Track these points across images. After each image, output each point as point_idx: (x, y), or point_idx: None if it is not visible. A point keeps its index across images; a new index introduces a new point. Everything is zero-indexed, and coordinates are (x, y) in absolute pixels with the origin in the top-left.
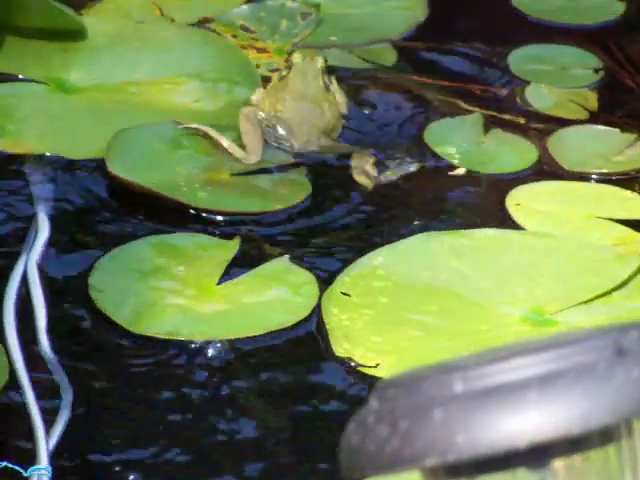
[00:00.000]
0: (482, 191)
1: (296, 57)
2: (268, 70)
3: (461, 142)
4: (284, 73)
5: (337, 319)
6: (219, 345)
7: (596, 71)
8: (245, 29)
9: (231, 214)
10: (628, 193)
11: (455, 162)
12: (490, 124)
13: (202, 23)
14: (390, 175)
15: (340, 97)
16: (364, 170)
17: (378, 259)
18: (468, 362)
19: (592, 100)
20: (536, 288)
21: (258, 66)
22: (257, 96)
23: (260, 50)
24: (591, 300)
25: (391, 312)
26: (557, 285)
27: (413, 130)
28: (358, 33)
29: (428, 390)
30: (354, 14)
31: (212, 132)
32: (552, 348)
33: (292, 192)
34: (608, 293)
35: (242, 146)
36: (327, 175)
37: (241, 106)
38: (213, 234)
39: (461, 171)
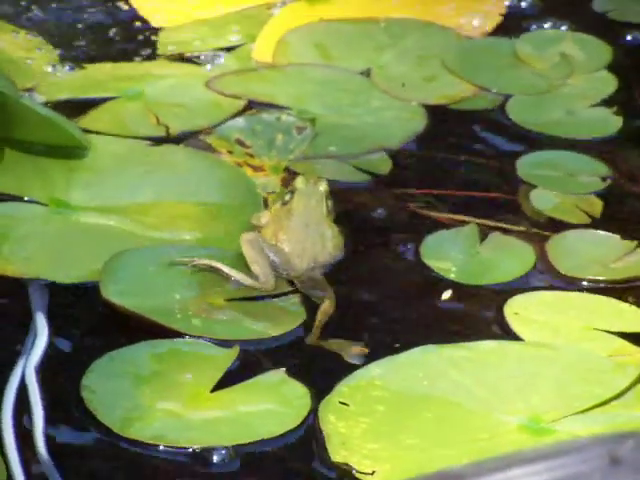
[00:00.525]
0: (480, 302)
1: (299, 182)
2: (266, 192)
3: (457, 254)
4: (287, 198)
5: (334, 427)
6: (223, 452)
7: (604, 179)
8: (240, 143)
9: (225, 341)
10: (624, 305)
11: (451, 277)
12: (489, 231)
13: (197, 135)
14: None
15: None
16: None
17: (376, 370)
18: (466, 471)
19: (597, 206)
20: (534, 397)
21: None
22: (262, 219)
23: (256, 169)
24: (589, 409)
25: (388, 420)
26: (554, 394)
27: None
28: (356, 143)
29: None
30: (352, 124)
31: (224, 268)
32: (548, 458)
33: (287, 320)
34: (606, 402)
35: (251, 274)
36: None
37: (242, 228)
38: (208, 337)
39: (447, 295)
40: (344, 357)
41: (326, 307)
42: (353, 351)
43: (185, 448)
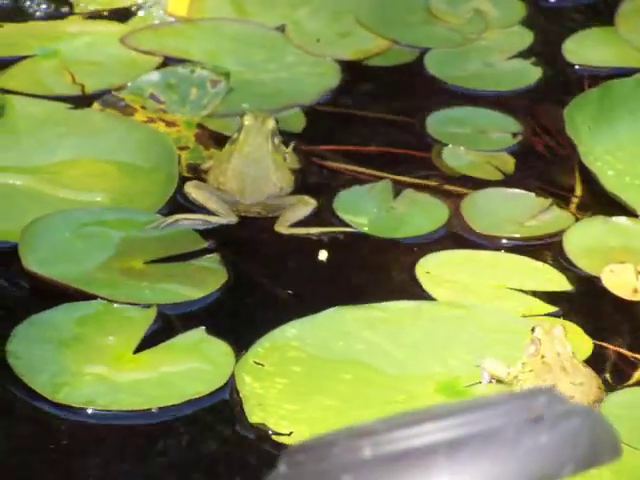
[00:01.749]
0: (393, 258)
1: (247, 119)
2: (178, 147)
3: (371, 209)
4: (235, 135)
5: (250, 387)
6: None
7: (514, 135)
8: (154, 98)
9: (149, 305)
10: (538, 264)
11: (365, 229)
12: (403, 188)
13: (111, 92)
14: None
15: (291, 155)
16: (290, 217)
17: (292, 331)
18: (377, 427)
19: (509, 164)
20: (450, 359)
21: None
22: (207, 165)
23: (169, 124)
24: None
25: (305, 381)
26: (471, 356)
27: (323, 199)
28: (270, 99)
29: (337, 455)
30: (266, 80)
31: (187, 216)
32: (460, 414)
33: (209, 280)
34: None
35: (211, 214)
36: (243, 259)
37: (158, 191)
38: (129, 303)
39: (323, 256)
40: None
41: (303, 200)
42: (319, 231)
43: (113, 410)
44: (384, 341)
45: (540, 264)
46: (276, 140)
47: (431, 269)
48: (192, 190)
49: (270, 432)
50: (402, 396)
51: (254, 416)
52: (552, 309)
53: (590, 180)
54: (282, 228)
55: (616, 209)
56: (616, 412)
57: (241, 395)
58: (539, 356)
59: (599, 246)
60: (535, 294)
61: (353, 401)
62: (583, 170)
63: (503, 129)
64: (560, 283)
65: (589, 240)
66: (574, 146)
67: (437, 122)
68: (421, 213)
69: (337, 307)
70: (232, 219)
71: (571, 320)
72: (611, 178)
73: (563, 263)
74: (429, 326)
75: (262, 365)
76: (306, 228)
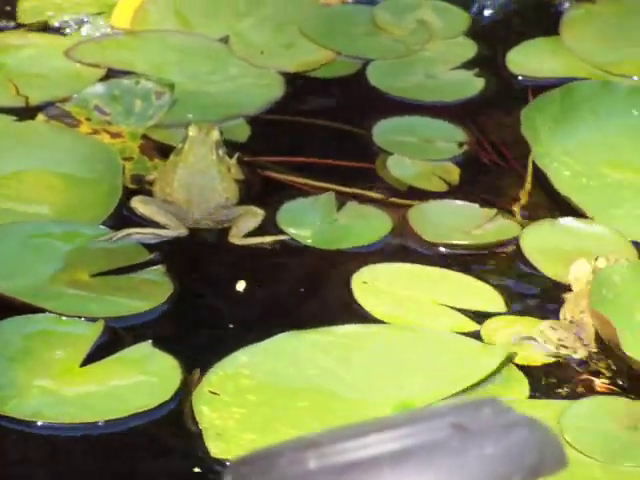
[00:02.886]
0: (336, 270)
1: (191, 130)
2: (123, 158)
3: (314, 221)
4: (180, 146)
5: (208, 418)
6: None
7: (460, 145)
8: (99, 110)
9: (95, 319)
10: (473, 281)
11: (308, 242)
12: (347, 199)
13: (56, 104)
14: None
15: (234, 166)
16: (242, 229)
17: (243, 358)
18: (323, 439)
19: (454, 174)
20: (405, 382)
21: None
22: (152, 177)
23: (114, 135)
24: (461, 392)
25: (262, 410)
26: (425, 378)
27: (267, 211)
28: (214, 110)
29: (282, 467)
30: (211, 92)
31: (142, 230)
32: (405, 425)
33: (155, 292)
34: (477, 385)
35: (161, 227)
36: (190, 271)
37: (102, 203)
38: (76, 316)
39: (241, 287)
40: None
41: (251, 211)
42: (272, 240)
43: (62, 424)
44: (336, 366)
45: (475, 281)
46: (220, 151)
47: (368, 280)
48: (139, 205)
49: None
50: (359, 420)
51: (215, 448)
52: (477, 327)
53: (541, 184)
54: (236, 239)
55: (566, 212)
56: (577, 423)
57: (201, 427)
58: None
59: (552, 250)
60: (467, 312)
61: (311, 428)
62: (536, 174)
63: (448, 138)
64: (498, 302)
65: (541, 244)
66: (521, 154)
67: (382, 132)
68: (364, 225)
69: (286, 333)
70: (182, 231)
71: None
72: (566, 179)
73: (514, 270)
74: (380, 349)
75: (217, 394)
76: (260, 238)
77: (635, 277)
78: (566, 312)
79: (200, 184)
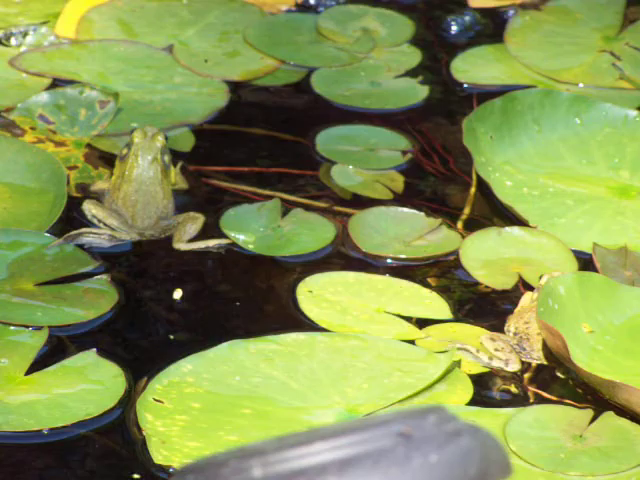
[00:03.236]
0: (278, 278)
1: (136, 136)
2: (67, 167)
3: (257, 227)
4: (124, 152)
5: (152, 425)
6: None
7: (404, 153)
8: (44, 119)
9: (40, 327)
10: (423, 290)
11: (250, 247)
12: (291, 207)
13: (1, 113)
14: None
15: (178, 175)
16: (185, 234)
17: (187, 367)
18: (267, 446)
19: (398, 182)
20: (348, 389)
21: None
22: (99, 185)
23: (58, 144)
24: (404, 399)
25: (205, 418)
26: (369, 385)
27: (211, 219)
28: (159, 119)
29: (226, 476)
30: (155, 101)
31: (96, 230)
32: (351, 433)
33: (100, 302)
34: (420, 392)
35: (113, 230)
36: (132, 280)
37: (47, 211)
38: (21, 325)
39: (178, 295)
40: (212, 250)
41: (191, 216)
42: (216, 243)
43: (6, 432)
44: (281, 374)
45: (422, 288)
46: (166, 157)
47: (313, 288)
48: (92, 207)
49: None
50: (303, 428)
51: (158, 455)
52: (422, 334)
53: (484, 194)
54: (180, 244)
55: (510, 222)
56: (522, 432)
57: (144, 434)
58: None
59: (494, 259)
60: (413, 320)
61: (254, 435)
62: (478, 184)
63: (392, 147)
64: (441, 309)
65: (484, 254)
66: (465, 162)
67: (326, 141)
68: (308, 232)
69: (231, 341)
70: (134, 235)
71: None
72: (508, 189)
73: (457, 280)
74: (324, 357)
75: (162, 402)
76: (204, 241)
77: (579, 288)
78: (510, 324)
79: (144, 200)
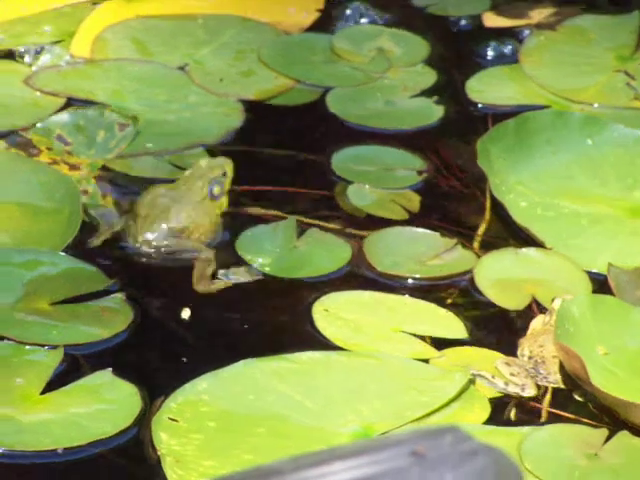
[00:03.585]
0: (293, 297)
1: (202, 162)
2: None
3: (273, 248)
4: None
5: (167, 445)
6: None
7: (419, 173)
8: (61, 139)
9: (56, 346)
10: (439, 310)
11: (266, 270)
12: (307, 226)
13: (17, 132)
14: (229, 280)
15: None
16: (203, 275)
17: (202, 385)
18: (285, 466)
19: (414, 201)
20: (364, 408)
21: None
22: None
23: (72, 167)
24: (420, 418)
25: (221, 436)
26: (384, 404)
27: (226, 238)
28: (174, 139)
29: None
30: (170, 120)
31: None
32: (368, 453)
33: (115, 320)
34: (436, 411)
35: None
36: (148, 298)
37: (62, 231)
38: (37, 344)
39: (186, 314)
40: (244, 279)
41: (203, 256)
42: (247, 271)
43: (21, 451)
44: (295, 392)
45: (437, 307)
46: (215, 188)
47: (329, 307)
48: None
49: None
50: (318, 446)
51: (173, 474)
52: (436, 354)
53: (499, 214)
54: (201, 287)
55: (525, 242)
56: (537, 451)
57: (159, 453)
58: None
59: (509, 280)
60: (428, 339)
61: (270, 454)
62: (493, 204)
63: (408, 166)
64: (457, 329)
65: (499, 275)
66: (480, 182)
67: (342, 160)
68: (324, 252)
69: (246, 360)
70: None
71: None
72: (523, 210)
73: (471, 300)
74: (340, 376)
75: (177, 421)
76: (224, 282)
77: (593, 309)
78: (524, 348)
79: (166, 205)
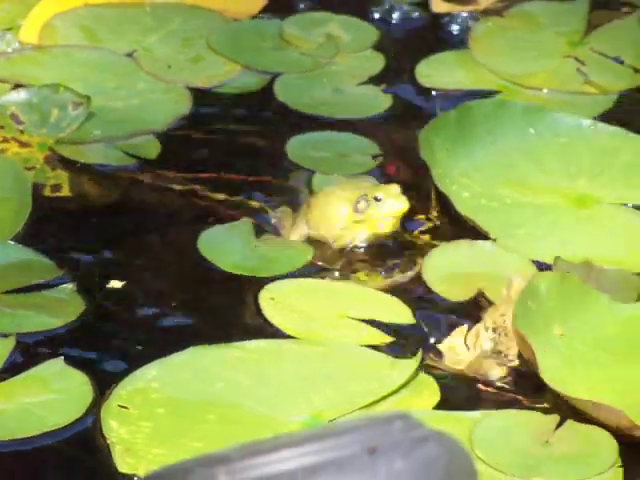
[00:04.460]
0: (242, 286)
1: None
2: (25, 167)
3: (234, 249)
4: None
5: (117, 433)
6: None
7: (374, 157)
8: (15, 118)
9: (7, 335)
10: (384, 295)
11: (228, 269)
12: (263, 225)
13: None
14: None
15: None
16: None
17: (152, 372)
18: (233, 454)
19: None
20: (315, 396)
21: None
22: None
23: (23, 144)
24: (369, 405)
25: (170, 424)
26: (334, 391)
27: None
28: (122, 126)
29: None
30: (118, 107)
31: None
32: (317, 440)
33: (66, 310)
34: (385, 398)
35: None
36: (99, 288)
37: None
38: None
39: (116, 284)
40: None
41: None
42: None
43: None
44: (246, 380)
45: (385, 295)
46: (361, 204)
47: (275, 295)
48: None
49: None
50: (268, 434)
51: (123, 463)
52: (389, 339)
53: (445, 204)
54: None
55: (470, 233)
56: (489, 438)
57: (109, 441)
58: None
59: (454, 272)
60: (374, 323)
61: (220, 441)
62: (438, 195)
63: (363, 152)
64: (403, 314)
65: (445, 267)
66: (428, 171)
67: (297, 147)
68: (286, 251)
69: (195, 347)
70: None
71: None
72: (466, 201)
73: (416, 292)
74: (290, 363)
75: (126, 408)
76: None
77: (561, 288)
78: (487, 320)
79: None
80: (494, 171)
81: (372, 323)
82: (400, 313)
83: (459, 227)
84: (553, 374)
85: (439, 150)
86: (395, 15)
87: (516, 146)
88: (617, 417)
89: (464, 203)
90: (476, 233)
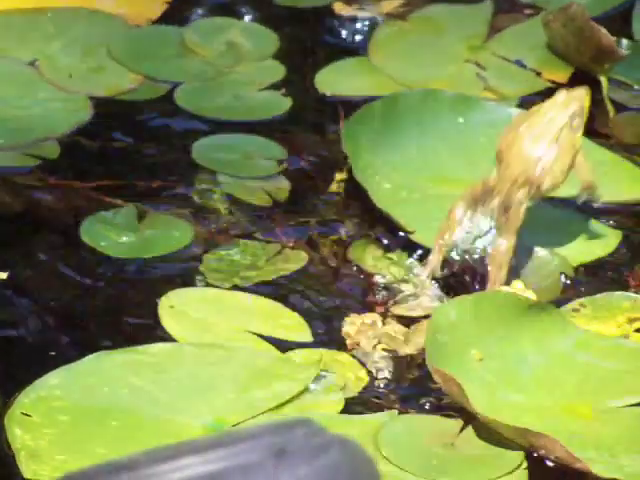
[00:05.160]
0: (138, 285)
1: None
2: None
3: (117, 233)
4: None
5: (21, 440)
6: None
7: (279, 162)
8: None
9: None
10: (283, 309)
11: (110, 253)
12: (148, 213)
13: None
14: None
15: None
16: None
17: (54, 380)
18: (137, 460)
19: (283, 189)
20: (216, 399)
21: None
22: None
23: None
24: (271, 409)
25: (73, 431)
26: (237, 395)
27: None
28: (23, 134)
29: None
30: (20, 116)
31: None
32: (220, 447)
33: None
34: (288, 402)
35: None
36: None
37: None
38: None
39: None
40: None
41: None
42: None
43: None
44: (148, 385)
45: (284, 309)
46: (576, 121)
47: (176, 304)
48: None
49: None
50: (171, 439)
51: (27, 470)
52: (283, 356)
53: (363, 199)
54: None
55: (386, 226)
56: (394, 439)
57: (14, 448)
58: None
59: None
60: (273, 341)
61: (123, 448)
62: (354, 190)
63: (267, 155)
64: (301, 331)
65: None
66: (339, 169)
67: (201, 151)
68: (168, 233)
69: (97, 353)
70: None
71: None
72: (387, 193)
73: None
74: (192, 368)
75: (30, 416)
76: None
77: (472, 310)
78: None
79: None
80: (419, 162)
81: (272, 338)
82: (299, 330)
83: (377, 221)
84: (484, 408)
85: (363, 141)
86: (299, 20)
87: (443, 136)
88: (556, 448)
89: (384, 195)
90: (393, 226)
